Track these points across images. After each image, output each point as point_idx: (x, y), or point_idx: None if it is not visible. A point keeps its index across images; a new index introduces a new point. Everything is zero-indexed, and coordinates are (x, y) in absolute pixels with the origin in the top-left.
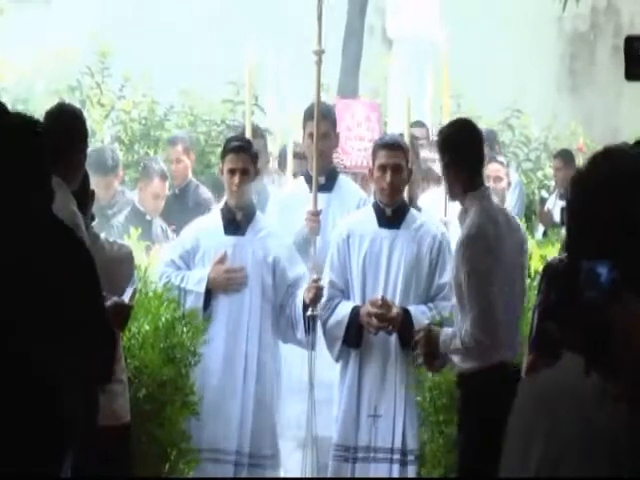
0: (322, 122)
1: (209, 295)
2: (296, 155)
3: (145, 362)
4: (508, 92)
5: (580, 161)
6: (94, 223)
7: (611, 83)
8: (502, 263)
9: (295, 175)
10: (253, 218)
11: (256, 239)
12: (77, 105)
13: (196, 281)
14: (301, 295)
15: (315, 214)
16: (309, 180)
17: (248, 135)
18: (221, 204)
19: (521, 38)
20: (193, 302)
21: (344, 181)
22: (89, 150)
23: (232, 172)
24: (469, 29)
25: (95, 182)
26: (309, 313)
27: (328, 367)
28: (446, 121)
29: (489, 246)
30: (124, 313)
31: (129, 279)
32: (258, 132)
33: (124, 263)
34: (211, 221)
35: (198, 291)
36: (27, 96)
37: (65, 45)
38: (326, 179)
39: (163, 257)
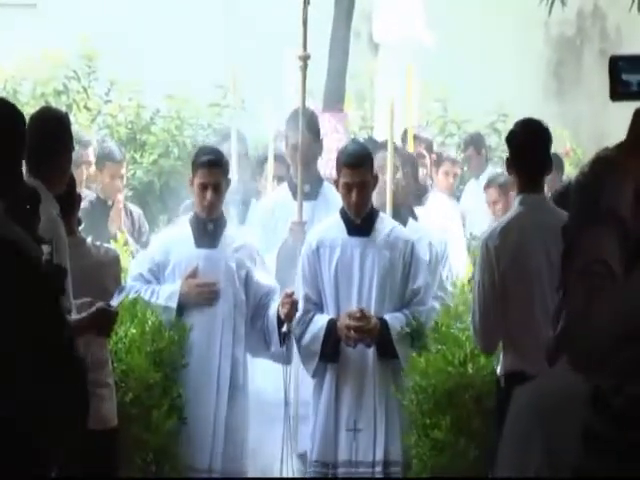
0: (305, 129)
1: (180, 310)
2: (277, 158)
3: (132, 366)
4: (494, 96)
5: (567, 165)
6: (81, 227)
7: (597, 88)
8: (517, 278)
9: (275, 179)
10: (224, 230)
11: (228, 252)
12: (63, 109)
13: (167, 295)
14: (274, 308)
15: (300, 224)
16: (293, 188)
17: (234, 140)
18: (189, 215)
19: (507, 42)
20: (164, 317)
21: (329, 189)
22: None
23: (204, 187)
24: (455, 33)
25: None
26: (284, 329)
27: (309, 384)
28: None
29: (489, 256)
30: (109, 319)
31: (116, 283)
32: (241, 138)
33: (111, 267)
34: (181, 233)
35: (170, 306)
36: (13, 100)
37: (51, 49)
38: (311, 187)
39: (131, 271)
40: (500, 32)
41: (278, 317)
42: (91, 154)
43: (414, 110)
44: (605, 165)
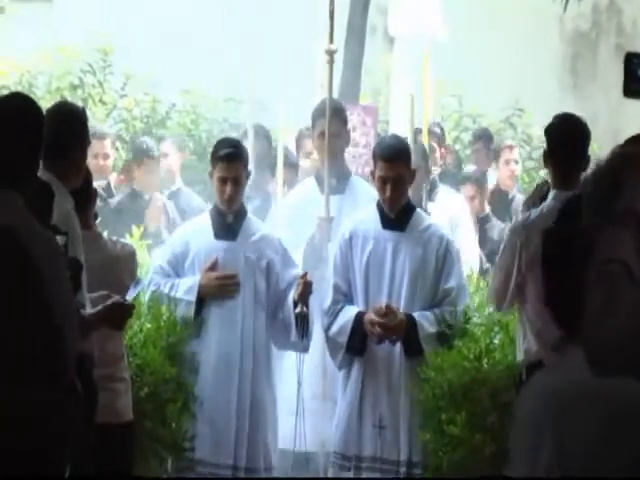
0: (333, 120)
1: (200, 303)
2: (287, 163)
3: (147, 361)
4: (510, 91)
5: None
6: (97, 222)
7: (613, 82)
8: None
9: (285, 184)
10: (244, 221)
11: (248, 243)
12: (79, 103)
13: (186, 289)
14: (291, 296)
15: (327, 220)
16: (320, 181)
17: (250, 136)
18: (209, 207)
19: (523, 37)
20: (184, 311)
21: (357, 182)
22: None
23: (223, 181)
24: (471, 28)
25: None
26: (297, 310)
27: (316, 381)
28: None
29: (513, 246)
30: (124, 312)
31: (131, 277)
32: (261, 133)
33: (127, 262)
34: (201, 225)
35: (189, 299)
36: (29, 94)
37: (67, 43)
38: (338, 180)
39: (152, 263)
40: (516, 27)
41: (294, 302)
42: (108, 146)
43: (429, 104)
44: (623, 161)
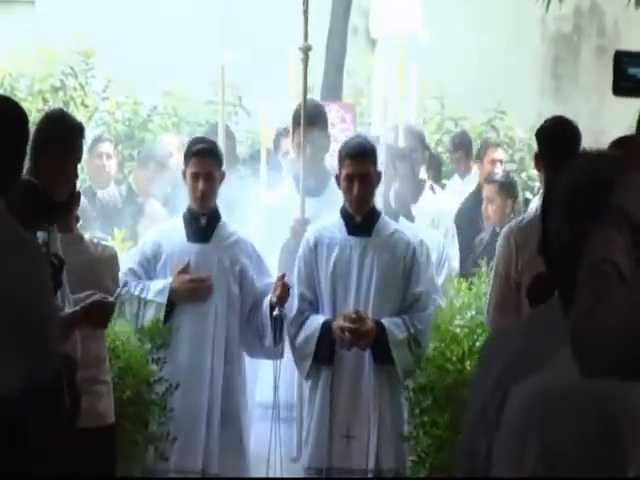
0: (313, 125)
1: (171, 306)
2: (269, 161)
3: (129, 363)
4: (492, 93)
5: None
6: (79, 224)
7: (595, 84)
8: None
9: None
10: (218, 224)
11: (222, 247)
12: (61, 105)
13: (157, 291)
14: (267, 300)
15: (301, 222)
16: (298, 182)
17: (221, 137)
18: (183, 209)
19: (504, 39)
20: (153, 314)
21: (336, 185)
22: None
23: (196, 176)
24: (452, 30)
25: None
26: (276, 312)
27: (284, 387)
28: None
29: (507, 249)
30: (104, 311)
31: (113, 279)
32: (227, 133)
33: (108, 264)
34: (173, 227)
35: (160, 301)
36: (10, 97)
37: (49, 46)
38: (316, 182)
39: (122, 265)
40: (497, 28)
41: (271, 306)
42: (110, 147)
43: (411, 107)
44: (614, 163)
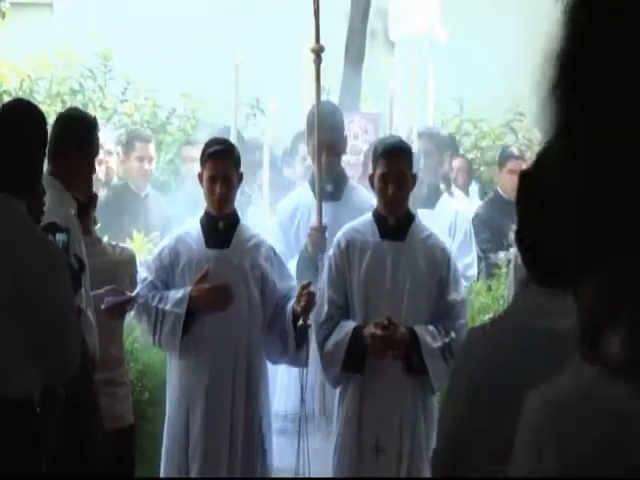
0: (328, 128)
1: (191, 316)
2: (272, 166)
3: (148, 365)
4: (511, 95)
5: None
6: (97, 227)
7: None
8: None
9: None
10: (237, 228)
11: (241, 251)
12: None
13: (175, 301)
14: (290, 307)
15: (319, 230)
16: (314, 187)
17: (233, 140)
18: (200, 214)
19: (523, 41)
20: (172, 325)
21: (354, 189)
22: None
23: (213, 179)
24: (471, 32)
25: None
26: (300, 322)
27: (286, 397)
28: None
29: None
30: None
31: (131, 282)
32: (239, 137)
33: (126, 266)
34: (190, 232)
35: (178, 312)
36: (29, 99)
37: (67, 48)
38: (333, 187)
39: (140, 274)
40: (517, 30)
41: (294, 312)
42: (152, 149)
43: (429, 109)
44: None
